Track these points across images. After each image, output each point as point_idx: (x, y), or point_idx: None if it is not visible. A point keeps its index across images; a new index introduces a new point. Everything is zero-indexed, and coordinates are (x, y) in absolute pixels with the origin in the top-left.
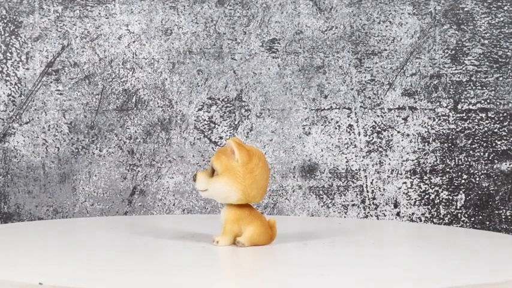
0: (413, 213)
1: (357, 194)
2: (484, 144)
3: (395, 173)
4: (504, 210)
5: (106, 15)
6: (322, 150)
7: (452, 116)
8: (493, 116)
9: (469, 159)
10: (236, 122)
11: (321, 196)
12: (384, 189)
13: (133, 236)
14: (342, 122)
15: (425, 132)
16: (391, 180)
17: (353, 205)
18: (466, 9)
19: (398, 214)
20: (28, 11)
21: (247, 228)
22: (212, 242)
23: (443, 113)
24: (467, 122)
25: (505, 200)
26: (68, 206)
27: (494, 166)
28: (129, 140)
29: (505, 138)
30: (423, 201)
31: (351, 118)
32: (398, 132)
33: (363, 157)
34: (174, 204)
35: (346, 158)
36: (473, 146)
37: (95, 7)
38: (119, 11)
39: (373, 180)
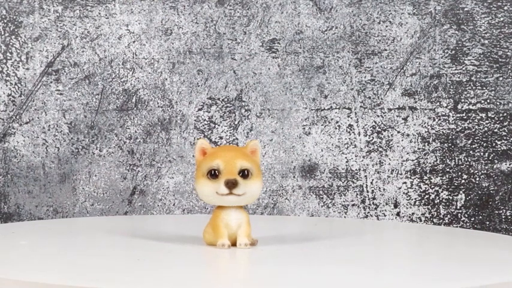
0: (413, 213)
1: (357, 194)
2: (484, 144)
3: (395, 173)
4: (504, 210)
5: (106, 15)
6: (322, 150)
7: (452, 116)
8: (493, 116)
9: (469, 159)
10: (236, 122)
11: (321, 196)
12: (383, 189)
13: (133, 236)
14: (342, 122)
15: (425, 132)
16: (391, 180)
17: (353, 205)
18: (466, 9)
19: (398, 214)
20: (28, 11)
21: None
22: (222, 247)
23: (443, 113)
24: (467, 122)
25: (505, 200)
26: (68, 206)
27: (494, 166)
28: (129, 140)
29: (505, 138)
30: (423, 201)
31: (351, 118)
32: (398, 132)
33: (363, 157)
34: (174, 204)
35: (346, 158)
36: (473, 146)
37: (95, 7)
38: (119, 11)
39: (373, 180)
